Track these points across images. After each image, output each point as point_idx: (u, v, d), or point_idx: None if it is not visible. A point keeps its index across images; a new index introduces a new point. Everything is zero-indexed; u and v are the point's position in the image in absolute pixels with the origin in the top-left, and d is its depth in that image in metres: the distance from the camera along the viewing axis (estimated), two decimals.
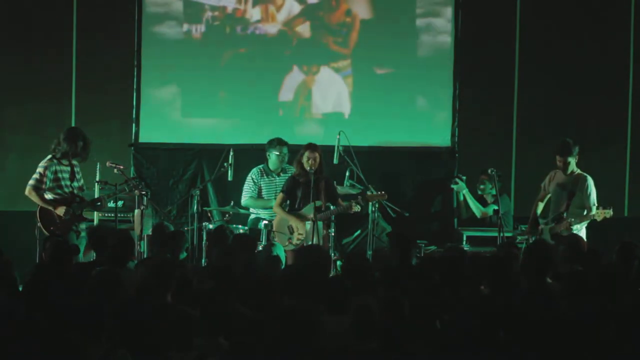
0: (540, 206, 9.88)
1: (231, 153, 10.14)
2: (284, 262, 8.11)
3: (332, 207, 9.61)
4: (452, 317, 5.48)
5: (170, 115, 11.50)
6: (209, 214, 10.33)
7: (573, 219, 9.42)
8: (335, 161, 10.24)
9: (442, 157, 11.47)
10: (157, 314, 5.29)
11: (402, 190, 11.06)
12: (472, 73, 11.45)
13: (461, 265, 6.67)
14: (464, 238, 10.14)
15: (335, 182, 9.97)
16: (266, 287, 6.12)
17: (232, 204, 10.18)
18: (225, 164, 10.11)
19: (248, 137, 11.20)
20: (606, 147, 11.51)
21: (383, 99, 11.45)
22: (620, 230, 9.81)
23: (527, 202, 10.22)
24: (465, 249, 9.47)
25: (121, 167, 9.49)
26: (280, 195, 9.77)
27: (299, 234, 9.49)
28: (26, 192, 9.18)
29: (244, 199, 10.35)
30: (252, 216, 10.31)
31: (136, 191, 9.24)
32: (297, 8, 11.41)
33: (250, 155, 10.73)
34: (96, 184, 9.74)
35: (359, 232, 10.66)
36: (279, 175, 10.36)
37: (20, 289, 6.39)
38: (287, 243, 9.41)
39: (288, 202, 9.72)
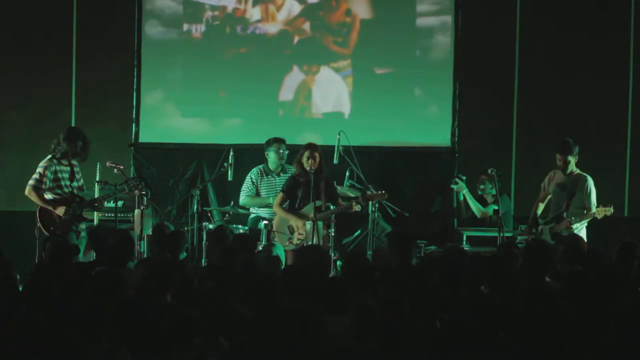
0: (541, 207, 9.88)
1: (231, 153, 10.13)
2: (284, 262, 8.11)
3: (332, 207, 9.60)
4: (452, 317, 5.48)
5: (170, 115, 11.50)
6: (209, 214, 10.32)
7: (574, 218, 9.42)
8: (335, 161, 10.24)
9: (442, 157, 11.47)
10: (157, 314, 5.29)
11: (402, 190, 11.06)
12: (472, 73, 11.45)
13: (461, 265, 6.67)
14: (464, 238, 10.13)
15: (335, 182, 9.97)
16: (266, 287, 6.12)
17: (232, 204, 10.18)
18: (225, 164, 10.11)
19: (248, 137, 11.20)
20: (606, 147, 11.51)
21: (383, 99, 11.46)
22: (620, 230, 9.81)
23: (527, 202, 10.22)
24: (465, 249, 9.46)
25: (121, 167, 9.49)
26: (280, 195, 9.76)
27: (299, 233, 9.49)
28: (26, 192, 9.18)
29: (242, 198, 10.34)
30: (252, 215, 10.31)
31: (136, 191, 9.24)
32: (297, 8, 11.41)
33: (250, 155, 10.73)
34: (96, 184, 9.74)
35: (359, 232, 10.66)
36: (278, 175, 10.36)
37: (20, 289, 6.39)
38: (287, 243, 9.40)
39: (288, 202, 9.72)
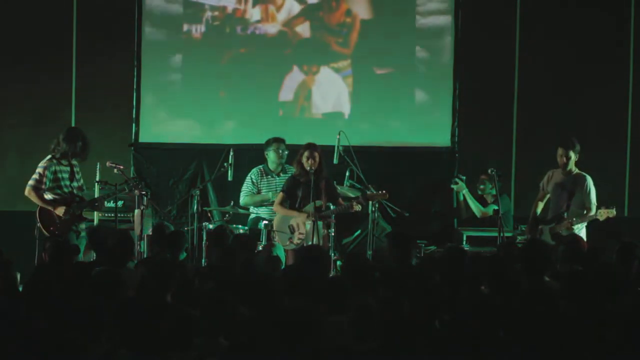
0: (540, 206, 9.88)
1: (231, 153, 10.13)
2: (284, 262, 8.11)
3: (332, 206, 9.60)
4: (452, 317, 5.47)
5: (170, 115, 11.51)
6: (209, 214, 10.33)
7: (575, 219, 9.42)
8: (335, 161, 10.24)
9: (442, 157, 11.47)
10: (157, 314, 5.29)
11: (402, 190, 11.05)
12: (472, 73, 11.45)
13: (461, 265, 6.67)
14: (464, 238, 10.13)
15: (335, 182, 9.97)
16: (266, 287, 6.12)
17: (232, 204, 10.18)
18: (225, 164, 10.11)
19: (248, 137, 11.20)
20: (606, 147, 11.51)
21: (383, 99, 11.46)
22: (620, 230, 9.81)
23: (527, 202, 10.22)
24: (465, 249, 9.46)
25: (121, 167, 9.49)
26: (280, 195, 9.76)
27: (300, 233, 9.48)
28: (26, 193, 9.17)
29: (242, 198, 10.35)
30: (252, 216, 10.31)
31: (136, 191, 9.24)
32: (297, 8, 11.41)
33: (250, 155, 10.73)
34: (96, 184, 9.74)
35: (359, 232, 10.66)
36: (278, 175, 10.36)
37: (20, 289, 6.39)
38: (287, 242, 9.41)
39: (288, 202, 9.72)
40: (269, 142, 10.43)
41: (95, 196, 9.56)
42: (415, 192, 11.36)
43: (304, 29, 11.44)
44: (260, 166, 10.43)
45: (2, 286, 6.26)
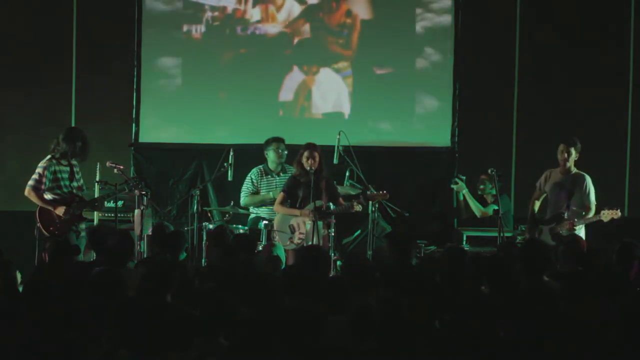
0: (537, 205, 9.88)
1: (231, 153, 10.13)
2: (284, 262, 8.11)
3: (332, 207, 9.59)
4: (452, 317, 5.47)
5: (170, 115, 11.51)
6: (209, 214, 10.32)
7: (576, 219, 9.42)
8: (335, 161, 10.24)
9: (442, 157, 11.47)
10: (157, 314, 5.29)
11: (402, 190, 11.05)
12: (472, 73, 11.45)
13: (461, 265, 6.67)
14: (464, 238, 10.13)
15: (335, 182, 9.97)
16: (266, 287, 6.12)
17: (232, 204, 10.18)
18: (225, 164, 10.11)
19: (248, 137, 11.20)
20: (606, 147, 11.51)
21: (383, 99, 11.46)
22: (620, 230, 9.80)
23: (527, 202, 10.20)
24: (465, 249, 9.46)
25: (121, 167, 9.48)
26: (281, 195, 9.76)
27: (300, 232, 9.49)
28: (25, 193, 9.17)
29: (242, 199, 10.35)
30: (252, 216, 10.31)
31: (136, 191, 9.24)
32: (297, 8, 11.41)
33: (250, 155, 10.72)
34: (96, 184, 9.74)
35: (359, 232, 10.66)
36: (278, 174, 10.36)
37: (20, 289, 6.39)
38: (288, 242, 9.41)
39: (289, 201, 9.72)
40: (268, 142, 10.44)
41: (95, 196, 9.56)
42: (415, 192, 11.35)
43: (304, 30, 11.44)
44: (260, 166, 10.43)
45: (2, 286, 6.26)
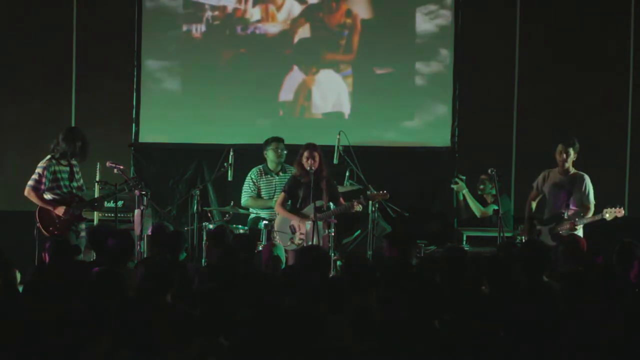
0: (534, 205, 9.88)
1: (231, 153, 10.13)
2: (284, 262, 8.10)
3: (332, 207, 9.59)
4: (452, 317, 5.47)
5: (170, 115, 11.51)
6: (209, 214, 10.32)
7: (578, 219, 9.41)
8: (335, 161, 10.24)
9: (442, 157, 11.47)
10: (157, 313, 5.29)
11: (402, 190, 11.05)
12: (472, 73, 11.45)
13: (461, 265, 6.67)
14: (464, 238, 10.14)
15: (335, 182, 9.97)
16: (266, 287, 6.12)
17: (232, 204, 10.18)
18: (225, 164, 10.11)
19: (248, 137, 11.20)
20: (606, 147, 11.51)
21: (383, 99, 11.46)
22: (620, 230, 9.80)
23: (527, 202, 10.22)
24: (465, 249, 9.46)
25: (121, 167, 9.48)
26: (281, 195, 9.76)
27: (301, 233, 9.49)
28: (25, 193, 9.16)
29: (244, 200, 10.36)
30: (252, 216, 10.32)
31: (136, 191, 9.23)
32: (297, 8, 11.41)
33: (250, 155, 10.72)
34: (96, 184, 9.74)
35: (359, 232, 10.66)
36: (278, 174, 10.36)
37: (20, 289, 6.39)
38: (289, 243, 9.41)
39: (290, 202, 9.72)
40: (267, 142, 10.45)
41: (95, 196, 9.55)
42: (415, 192, 11.36)
43: (304, 29, 11.44)
44: (260, 166, 10.43)
45: (2, 286, 6.26)
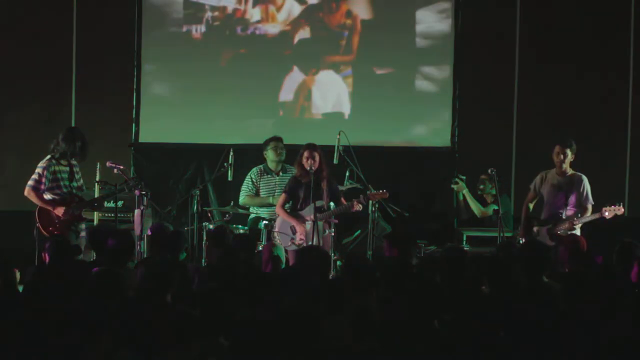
0: (530, 207, 9.88)
1: (231, 153, 10.13)
2: (284, 262, 8.11)
3: (332, 206, 9.59)
4: (452, 317, 5.47)
5: (170, 115, 11.51)
6: (209, 214, 10.32)
7: (576, 218, 9.41)
8: (335, 161, 10.23)
9: (442, 157, 11.47)
10: (157, 314, 5.29)
11: (402, 190, 11.05)
12: (472, 73, 11.45)
13: (461, 265, 6.67)
14: (464, 238, 10.14)
15: (336, 182, 9.97)
16: (266, 287, 6.12)
17: (232, 204, 10.19)
18: (225, 164, 10.11)
19: (248, 137, 11.20)
20: (606, 147, 11.51)
21: (383, 99, 11.46)
22: (620, 230, 9.80)
23: None
24: (465, 249, 9.46)
25: (121, 167, 9.48)
26: (282, 196, 9.75)
27: (301, 233, 9.49)
28: (25, 193, 9.17)
29: (241, 198, 10.36)
30: (252, 216, 10.32)
31: (136, 191, 9.24)
32: (297, 8, 11.41)
33: (250, 155, 10.73)
34: (96, 184, 9.74)
35: (359, 232, 10.66)
36: (278, 174, 10.37)
37: (20, 289, 6.39)
38: (289, 243, 9.41)
39: (291, 202, 9.72)
40: (267, 142, 10.45)
41: (95, 196, 9.55)
42: (415, 192, 11.35)
43: (304, 30, 11.44)
44: (261, 165, 10.44)
45: (2, 286, 6.26)
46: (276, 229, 9.56)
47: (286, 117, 11.53)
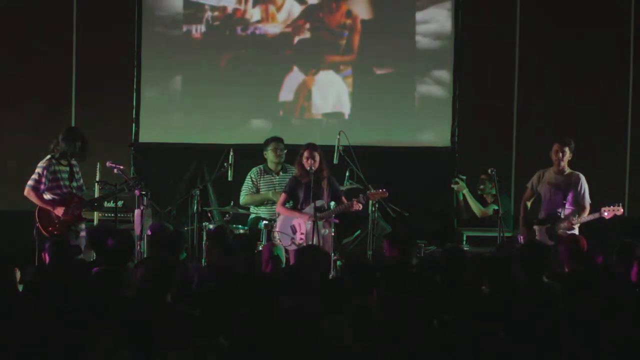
0: (528, 205, 9.88)
1: (231, 153, 10.13)
2: (284, 262, 8.11)
3: (332, 206, 9.59)
4: (452, 317, 5.47)
5: (170, 115, 11.51)
6: (209, 214, 10.33)
7: (575, 218, 9.41)
8: (335, 161, 10.24)
9: (442, 157, 11.47)
10: (157, 313, 5.29)
11: (402, 190, 11.04)
12: (472, 73, 11.45)
13: (461, 265, 6.67)
14: (464, 238, 10.14)
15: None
16: (266, 287, 6.11)
17: (232, 204, 10.18)
18: (225, 164, 10.11)
19: (248, 137, 11.20)
20: (606, 147, 11.52)
21: (383, 99, 11.47)
22: (620, 230, 9.81)
23: None
24: (465, 249, 9.46)
25: (121, 167, 9.47)
26: (282, 196, 9.75)
27: (301, 233, 9.49)
28: (25, 193, 9.16)
29: (242, 198, 10.36)
30: (252, 216, 10.32)
31: (136, 191, 9.23)
32: (297, 8, 11.41)
33: (250, 155, 10.72)
34: (96, 184, 9.74)
35: (359, 232, 10.66)
36: (278, 174, 10.36)
37: (20, 289, 6.39)
38: (290, 243, 9.41)
39: (291, 202, 9.72)
40: (267, 142, 10.45)
41: (95, 196, 9.55)
42: (415, 192, 11.35)
43: (304, 30, 11.44)
44: (261, 165, 10.43)
45: (2, 286, 6.26)
46: (276, 229, 9.56)
47: (286, 117, 11.53)
